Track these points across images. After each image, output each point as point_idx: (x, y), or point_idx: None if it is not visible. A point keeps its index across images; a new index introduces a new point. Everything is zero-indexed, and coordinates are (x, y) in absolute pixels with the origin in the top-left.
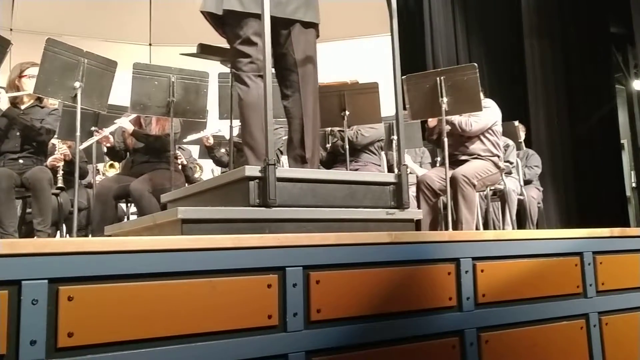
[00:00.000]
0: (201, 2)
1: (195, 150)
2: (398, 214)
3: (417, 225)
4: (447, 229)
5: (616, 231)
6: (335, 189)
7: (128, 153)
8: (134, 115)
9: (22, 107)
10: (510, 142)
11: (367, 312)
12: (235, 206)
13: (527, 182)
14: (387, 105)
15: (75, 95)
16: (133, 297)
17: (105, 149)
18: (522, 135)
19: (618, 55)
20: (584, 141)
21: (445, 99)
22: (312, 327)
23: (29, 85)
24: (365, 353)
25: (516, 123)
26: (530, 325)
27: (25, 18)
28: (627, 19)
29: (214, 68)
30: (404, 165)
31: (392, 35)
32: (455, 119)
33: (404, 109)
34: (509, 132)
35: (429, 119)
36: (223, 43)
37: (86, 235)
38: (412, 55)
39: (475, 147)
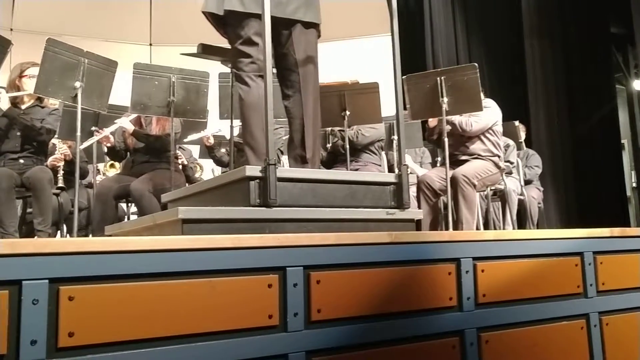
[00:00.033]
0: (202, 2)
1: (195, 150)
2: (398, 214)
3: (418, 225)
4: (447, 229)
5: (616, 231)
6: (335, 189)
7: (128, 153)
8: (134, 115)
9: (23, 107)
10: (511, 142)
11: (367, 312)
12: (235, 206)
13: (528, 182)
14: (388, 105)
15: (76, 95)
16: (133, 297)
17: (105, 149)
18: (522, 135)
19: (618, 55)
20: (585, 141)
21: (445, 99)
22: (312, 327)
23: (29, 85)
24: (366, 353)
25: (516, 123)
26: (531, 326)
27: (25, 18)
28: (628, 19)
29: (215, 68)
30: (405, 165)
31: (392, 35)
32: (456, 119)
33: (405, 109)
34: (509, 132)
35: (429, 119)
36: (223, 43)
37: (86, 235)
38: (412, 55)
39: (476, 147)
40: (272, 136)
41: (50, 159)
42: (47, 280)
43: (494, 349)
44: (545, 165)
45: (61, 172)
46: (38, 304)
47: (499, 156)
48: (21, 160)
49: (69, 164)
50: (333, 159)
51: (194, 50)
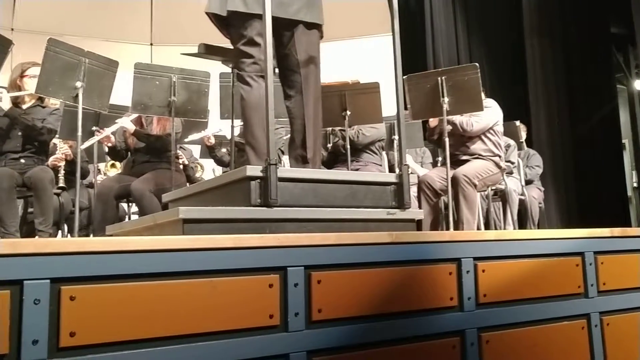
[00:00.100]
0: (205, 3)
1: (196, 150)
2: (399, 214)
3: (418, 225)
4: (448, 229)
5: (617, 231)
6: (336, 189)
7: (129, 153)
8: (135, 115)
9: (24, 106)
10: (512, 142)
11: (368, 312)
12: (236, 206)
13: (528, 182)
14: (388, 105)
15: (77, 95)
16: (134, 297)
17: (106, 149)
18: (523, 135)
19: (619, 55)
20: (585, 141)
21: (446, 99)
22: (313, 327)
23: (30, 85)
24: (366, 353)
25: (517, 123)
26: (532, 326)
27: (26, 18)
28: (628, 20)
29: (215, 68)
30: (405, 165)
31: (393, 35)
32: (457, 118)
33: (405, 109)
34: (510, 132)
35: (430, 119)
36: (224, 43)
37: (87, 235)
38: (413, 55)
39: (477, 147)
40: (273, 136)
41: (51, 158)
42: (48, 280)
43: (494, 349)
44: (546, 165)
45: (62, 171)
46: (39, 304)
47: (499, 156)
48: (22, 160)
49: (70, 163)
50: (334, 159)
51: (195, 50)
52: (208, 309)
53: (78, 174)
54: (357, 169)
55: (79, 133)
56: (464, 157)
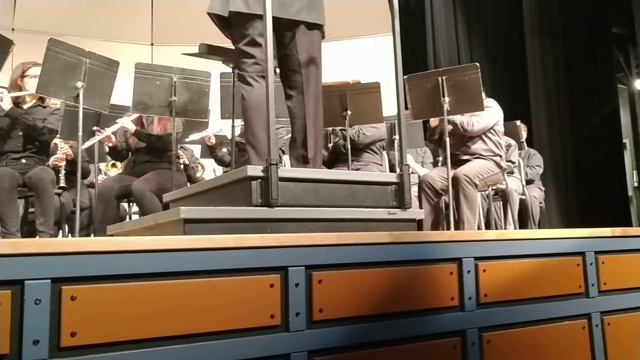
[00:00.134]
0: (206, 3)
1: (197, 149)
2: (400, 214)
3: (419, 225)
4: (448, 228)
5: (618, 231)
6: (337, 188)
7: (130, 153)
8: (135, 115)
9: (25, 106)
10: (512, 142)
11: (369, 312)
12: (237, 206)
13: (529, 182)
14: (389, 105)
15: (78, 95)
16: (135, 296)
17: (107, 149)
18: (523, 134)
19: (620, 55)
20: (586, 141)
21: (447, 99)
22: (314, 326)
23: (31, 85)
24: (367, 353)
25: (518, 123)
26: (532, 325)
27: (27, 18)
28: (629, 20)
29: (216, 68)
30: (406, 165)
31: (393, 35)
32: (457, 118)
33: (406, 108)
34: (510, 132)
35: (431, 119)
36: (224, 43)
37: (88, 235)
38: (413, 55)
39: (477, 146)
40: (274, 136)
41: (52, 158)
42: (49, 280)
43: (495, 348)
44: (547, 165)
45: (63, 171)
46: (40, 304)
47: (500, 156)
48: (23, 160)
49: (71, 163)
50: (334, 159)
51: (196, 50)
52: (209, 309)
53: (79, 174)
54: (357, 169)
55: (80, 133)
56: (465, 157)
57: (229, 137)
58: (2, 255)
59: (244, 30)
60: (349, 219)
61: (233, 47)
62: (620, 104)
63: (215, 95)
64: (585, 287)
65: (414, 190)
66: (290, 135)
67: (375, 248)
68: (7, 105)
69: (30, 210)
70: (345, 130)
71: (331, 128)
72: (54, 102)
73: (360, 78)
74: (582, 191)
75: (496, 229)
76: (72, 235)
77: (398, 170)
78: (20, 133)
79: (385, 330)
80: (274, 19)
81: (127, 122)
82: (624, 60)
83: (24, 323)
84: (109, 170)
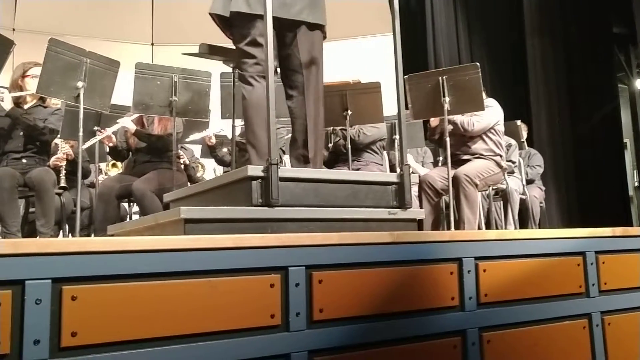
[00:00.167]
0: (205, 2)
1: (197, 149)
2: (400, 214)
3: (419, 225)
4: (449, 228)
5: (618, 231)
6: (337, 188)
7: (130, 153)
8: (136, 115)
9: (25, 107)
10: (513, 142)
11: (369, 311)
12: (237, 206)
13: (530, 182)
14: (389, 105)
15: (78, 95)
16: (136, 296)
17: (107, 149)
18: (524, 134)
19: (620, 55)
20: (586, 140)
21: (447, 99)
22: (314, 326)
23: (32, 85)
24: (367, 353)
25: (518, 122)
26: (533, 325)
27: (27, 18)
28: (629, 19)
29: (217, 68)
30: (406, 164)
31: (394, 34)
32: (458, 118)
33: (406, 108)
34: (511, 132)
35: (431, 119)
36: (225, 43)
37: (88, 235)
38: (414, 55)
39: (478, 146)
40: (274, 136)
41: (53, 158)
42: (49, 280)
43: (495, 348)
44: (547, 165)
45: (63, 171)
46: (41, 304)
47: (500, 155)
48: (24, 160)
49: (71, 163)
50: (335, 159)
51: (196, 50)
52: (209, 309)
53: (79, 174)
54: (358, 169)
55: (81, 133)
56: (465, 157)
57: (230, 137)
58: (2, 255)
59: (245, 31)
60: (350, 219)
61: (233, 47)
62: (621, 104)
63: (215, 95)
64: (585, 287)
65: (415, 190)
66: (290, 135)
67: (376, 248)
68: (8, 105)
69: (31, 210)
70: (345, 130)
71: (331, 128)
72: (55, 102)
73: (360, 78)
74: (583, 191)
75: (496, 228)
76: (73, 235)
77: (398, 170)
78: (21, 133)
79: (386, 330)
80: (276, 19)
81: (127, 122)
82: (625, 60)
83: (24, 323)
84: (110, 170)
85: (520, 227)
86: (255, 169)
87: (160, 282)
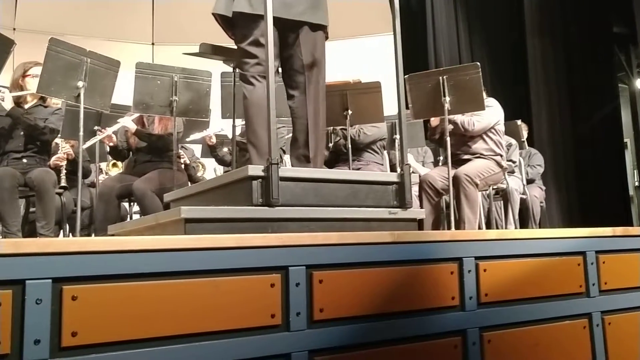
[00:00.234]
0: (208, 3)
1: (198, 149)
2: (400, 214)
3: (420, 224)
4: (449, 228)
5: (618, 230)
6: (337, 188)
7: (131, 152)
8: (136, 115)
9: (26, 106)
10: (513, 141)
11: (369, 311)
12: (238, 205)
13: (530, 181)
14: (390, 105)
15: (79, 95)
16: (136, 296)
17: (108, 148)
18: (524, 134)
19: (621, 54)
20: (587, 140)
21: (447, 99)
22: (315, 326)
23: (32, 84)
24: (368, 352)
25: (518, 122)
26: (533, 325)
27: (28, 17)
28: (630, 19)
29: (217, 67)
30: (407, 164)
31: (394, 34)
32: (458, 118)
33: (407, 108)
34: (511, 131)
35: (432, 119)
36: (225, 43)
37: (89, 235)
38: (414, 55)
39: (478, 146)
40: (275, 135)
41: (53, 158)
42: (50, 280)
43: (496, 348)
44: (548, 165)
45: (64, 171)
46: (41, 304)
47: (501, 155)
48: (24, 160)
49: (72, 163)
50: (335, 158)
51: (196, 49)
52: (209, 309)
53: (80, 174)
54: (358, 169)
55: (81, 132)
56: (466, 157)
57: (230, 136)
58: (3, 255)
59: (247, 31)
60: (350, 219)
61: (234, 47)
62: (621, 104)
63: (216, 94)
64: (586, 286)
65: (415, 189)
66: (291, 134)
67: (376, 248)
68: (9, 105)
69: (32, 210)
70: (346, 129)
71: (332, 127)
72: (55, 102)
73: (361, 77)
74: (583, 191)
75: (497, 228)
76: (73, 235)
77: (399, 169)
78: (22, 133)
79: (386, 330)
80: (278, 19)
81: (128, 122)
82: (625, 60)
83: (25, 323)
84: (110, 170)
85: (521, 227)
86: (255, 169)
87: (161, 281)
